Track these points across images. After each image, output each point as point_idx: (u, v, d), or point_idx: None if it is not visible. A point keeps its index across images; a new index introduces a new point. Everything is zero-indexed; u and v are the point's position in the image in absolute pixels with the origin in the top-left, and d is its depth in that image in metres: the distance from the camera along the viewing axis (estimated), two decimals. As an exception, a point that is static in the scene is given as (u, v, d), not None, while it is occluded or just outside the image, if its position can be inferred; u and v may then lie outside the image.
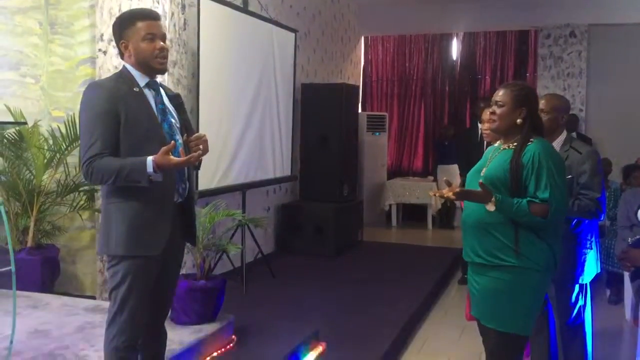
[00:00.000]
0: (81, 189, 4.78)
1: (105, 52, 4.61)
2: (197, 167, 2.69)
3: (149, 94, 2.46)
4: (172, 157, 2.28)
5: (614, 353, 4.24)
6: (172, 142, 2.32)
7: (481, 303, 2.62)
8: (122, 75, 2.45)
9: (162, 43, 2.45)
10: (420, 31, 9.65)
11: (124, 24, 2.45)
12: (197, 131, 2.74)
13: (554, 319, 3.24)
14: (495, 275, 2.52)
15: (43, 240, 4.79)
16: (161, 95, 2.51)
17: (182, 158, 2.30)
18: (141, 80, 2.45)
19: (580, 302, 3.20)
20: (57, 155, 4.74)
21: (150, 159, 2.28)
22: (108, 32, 4.52)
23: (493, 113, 2.62)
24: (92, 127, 2.32)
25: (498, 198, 2.44)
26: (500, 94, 2.62)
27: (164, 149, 2.27)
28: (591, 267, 3.17)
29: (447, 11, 9.12)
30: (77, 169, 4.79)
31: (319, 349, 3.82)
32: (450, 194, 2.47)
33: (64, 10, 4.99)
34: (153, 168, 2.27)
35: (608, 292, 5.48)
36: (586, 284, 3.20)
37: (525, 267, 2.48)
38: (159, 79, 2.60)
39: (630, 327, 4.75)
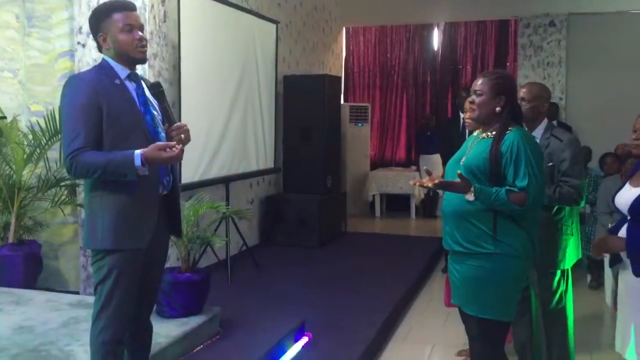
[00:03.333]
0: (62, 183, 4.74)
1: (84, 45, 4.56)
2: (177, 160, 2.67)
3: (131, 86, 2.44)
4: (162, 152, 2.27)
5: (595, 337, 4.31)
6: (171, 142, 2.32)
7: (462, 291, 2.64)
8: (102, 68, 2.43)
9: (140, 33, 2.43)
10: (401, 22, 9.67)
11: (101, 17, 2.43)
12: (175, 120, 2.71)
13: (536, 304, 3.28)
14: (475, 263, 2.54)
15: (25, 236, 4.74)
16: (142, 88, 2.49)
17: (173, 153, 2.29)
18: (122, 72, 2.43)
19: (562, 288, 3.25)
20: (37, 150, 4.69)
21: (138, 152, 2.26)
22: (87, 25, 4.42)
23: (472, 102, 2.63)
24: (74, 120, 2.30)
25: (477, 188, 2.46)
26: (478, 83, 2.63)
27: (158, 144, 2.27)
28: (572, 253, 3.23)
29: (427, 2, 9.15)
30: (58, 163, 4.75)
31: (305, 339, 3.85)
32: (429, 184, 2.49)
33: (41, 3, 4.92)
34: (141, 162, 2.26)
35: (589, 278, 5.57)
36: (567, 270, 3.25)
37: (504, 253, 2.50)
38: (139, 70, 2.58)
39: (610, 311, 4.83)
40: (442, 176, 2.75)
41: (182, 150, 2.33)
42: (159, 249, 2.56)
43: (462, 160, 2.63)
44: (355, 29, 10.02)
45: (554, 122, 5.32)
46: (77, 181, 4.51)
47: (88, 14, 4.38)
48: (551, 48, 8.72)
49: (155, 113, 2.48)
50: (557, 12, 8.62)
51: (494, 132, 2.58)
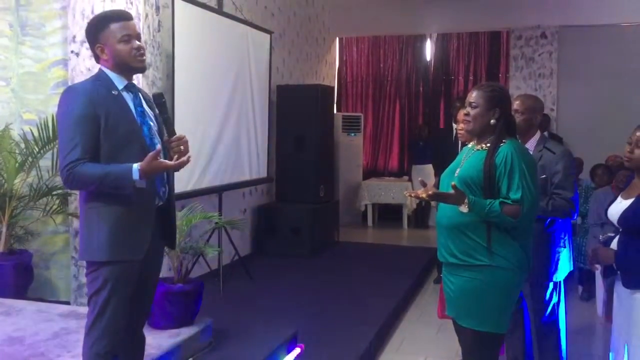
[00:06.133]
0: (54, 192, 4.71)
1: (77, 54, 4.55)
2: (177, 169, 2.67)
3: (128, 97, 2.44)
4: (163, 160, 2.28)
5: (587, 349, 4.32)
6: (158, 147, 2.32)
7: (456, 302, 2.65)
8: (100, 78, 2.42)
9: (138, 42, 2.42)
10: (394, 32, 9.72)
11: (98, 28, 2.42)
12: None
13: (529, 316, 3.29)
14: (470, 275, 2.55)
15: (15, 245, 4.71)
16: (140, 98, 2.48)
17: (174, 162, 2.30)
18: (119, 83, 2.43)
19: (554, 300, 3.26)
20: (29, 158, 4.66)
21: (136, 166, 2.26)
22: (80, 34, 4.46)
23: (467, 114, 2.65)
24: (72, 131, 2.29)
25: (471, 200, 2.47)
26: (473, 95, 2.64)
27: (151, 155, 2.26)
28: (564, 265, 3.24)
29: (420, 13, 9.21)
30: (50, 172, 4.72)
31: (297, 350, 3.83)
32: (423, 195, 2.50)
33: (35, 11, 4.91)
34: (139, 175, 2.26)
35: (580, 289, 5.58)
36: (560, 282, 3.27)
37: (498, 266, 2.51)
38: (135, 81, 2.57)
39: (602, 323, 4.84)
40: (435, 186, 2.76)
41: (185, 161, 2.34)
42: (154, 260, 2.55)
43: (457, 171, 2.64)
44: (349, 39, 10.06)
45: (545, 134, 5.37)
46: (69, 190, 4.48)
47: (82, 22, 4.43)
48: (542, 60, 8.80)
49: (151, 124, 2.48)
50: (549, 24, 8.71)
51: (488, 144, 2.60)
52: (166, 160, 2.30)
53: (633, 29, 8.46)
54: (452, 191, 2.49)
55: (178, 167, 2.34)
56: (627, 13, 8.29)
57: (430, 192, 2.49)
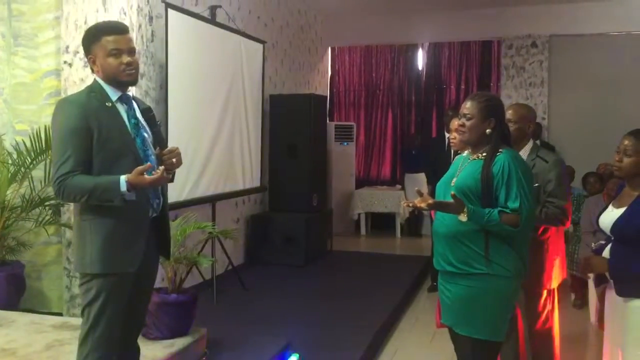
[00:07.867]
0: (47, 203, 4.68)
1: (70, 64, 4.54)
2: (171, 180, 2.67)
3: (122, 109, 2.44)
4: (146, 176, 2.27)
5: (581, 356, 4.33)
6: (148, 163, 2.30)
7: (454, 311, 2.65)
8: (94, 90, 2.42)
9: (129, 58, 2.41)
10: (386, 42, 9.77)
11: (91, 39, 2.43)
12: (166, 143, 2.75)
13: (523, 324, 3.30)
14: (467, 283, 2.56)
15: (7, 256, 4.67)
16: (134, 110, 2.48)
17: (156, 176, 2.29)
18: (113, 94, 2.43)
19: (548, 307, 3.27)
20: (22, 169, 4.64)
21: (123, 178, 2.26)
22: (73, 44, 4.47)
23: (462, 125, 2.66)
24: (65, 144, 2.29)
25: (470, 209, 2.48)
26: (467, 106, 2.65)
27: (138, 169, 2.25)
28: (558, 272, 3.26)
29: (412, 22, 9.26)
30: (42, 183, 4.70)
31: (294, 358, 3.82)
32: (422, 205, 2.50)
33: (28, 22, 4.90)
34: (127, 187, 2.25)
35: (573, 297, 5.60)
36: (553, 289, 3.28)
37: (495, 274, 2.52)
38: (131, 92, 2.58)
39: (595, 330, 4.85)
40: (430, 195, 2.77)
41: (173, 174, 2.33)
42: (148, 272, 2.55)
43: (454, 181, 2.65)
44: (341, 48, 10.11)
45: (537, 142, 5.40)
46: (61, 201, 4.46)
47: (75, 33, 4.43)
48: (533, 69, 8.85)
49: (146, 135, 2.48)
50: (539, 33, 8.78)
51: (484, 154, 2.61)
52: (148, 176, 2.28)
53: (623, 37, 8.55)
54: (448, 199, 2.50)
55: (159, 182, 2.33)
56: (617, 22, 8.38)
57: (430, 202, 2.50)
